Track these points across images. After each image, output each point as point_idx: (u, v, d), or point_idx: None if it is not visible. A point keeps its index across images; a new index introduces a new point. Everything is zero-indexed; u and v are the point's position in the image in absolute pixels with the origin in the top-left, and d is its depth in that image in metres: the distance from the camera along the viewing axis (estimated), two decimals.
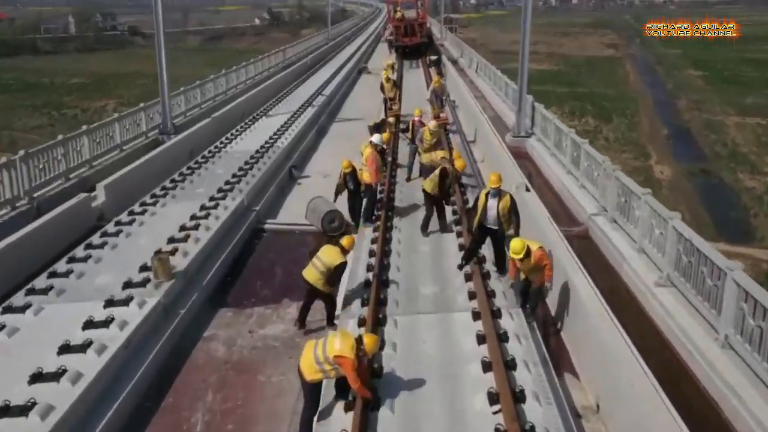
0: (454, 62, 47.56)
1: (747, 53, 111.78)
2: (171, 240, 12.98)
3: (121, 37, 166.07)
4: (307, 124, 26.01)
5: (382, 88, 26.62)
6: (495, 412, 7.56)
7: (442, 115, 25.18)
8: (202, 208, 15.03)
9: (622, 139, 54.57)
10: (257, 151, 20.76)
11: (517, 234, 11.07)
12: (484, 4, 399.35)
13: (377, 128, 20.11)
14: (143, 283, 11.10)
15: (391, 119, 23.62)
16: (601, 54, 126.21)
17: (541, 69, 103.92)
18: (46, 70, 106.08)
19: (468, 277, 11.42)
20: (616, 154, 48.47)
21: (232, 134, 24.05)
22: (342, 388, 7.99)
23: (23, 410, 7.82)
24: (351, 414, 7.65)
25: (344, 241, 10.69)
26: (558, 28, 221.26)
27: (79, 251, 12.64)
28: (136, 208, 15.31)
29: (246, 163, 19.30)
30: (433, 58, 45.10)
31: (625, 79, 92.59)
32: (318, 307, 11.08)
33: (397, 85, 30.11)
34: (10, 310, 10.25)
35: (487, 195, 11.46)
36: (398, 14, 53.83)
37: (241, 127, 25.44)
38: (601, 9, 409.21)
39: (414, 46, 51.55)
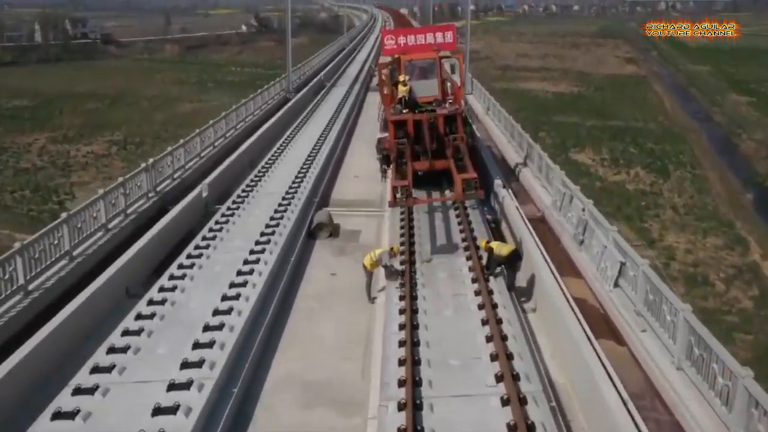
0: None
1: None
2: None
3: (92, 45, 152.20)
4: None
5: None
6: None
7: None
8: None
9: (696, 208, 41.44)
10: None
11: None
12: (482, 9, 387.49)
13: None
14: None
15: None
16: (622, 71, 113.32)
17: (558, 92, 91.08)
18: None
19: None
20: (699, 237, 35.45)
21: None
22: None
23: None
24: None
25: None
26: (565, 38, 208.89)
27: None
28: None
29: None
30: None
31: (661, 107, 79.66)
32: None
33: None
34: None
35: None
36: (402, 87, 20.90)
37: None
38: (602, 16, 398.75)
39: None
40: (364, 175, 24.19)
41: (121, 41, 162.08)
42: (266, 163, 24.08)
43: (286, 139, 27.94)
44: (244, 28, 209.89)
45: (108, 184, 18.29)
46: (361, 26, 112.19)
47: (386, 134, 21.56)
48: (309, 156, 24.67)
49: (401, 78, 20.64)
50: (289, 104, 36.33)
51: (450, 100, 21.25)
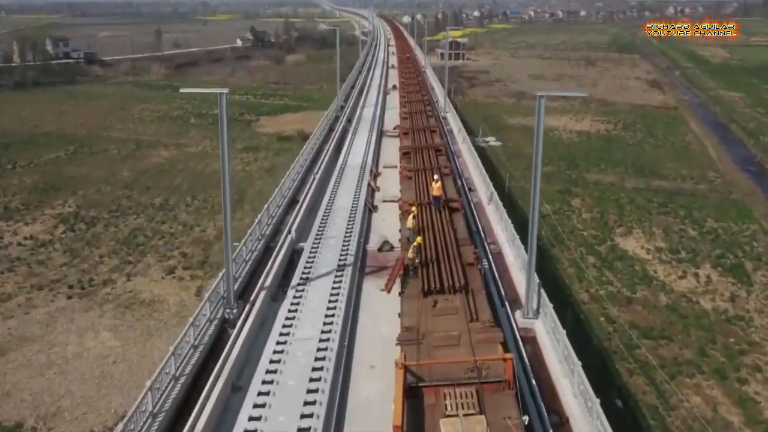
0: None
1: None
2: None
3: (74, 66, 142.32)
4: None
5: None
6: None
7: None
8: None
9: None
10: None
11: None
12: (487, 16, 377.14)
13: None
14: None
15: None
16: (650, 101, 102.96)
17: (583, 130, 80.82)
18: None
19: None
20: None
21: None
22: None
23: None
24: None
25: None
26: (577, 50, 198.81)
27: None
28: None
29: None
30: None
31: (706, 155, 69.37)
32: None
33: None
34: None
35: None
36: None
37: None
38: (610, 21, 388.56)
39: None
40: None
41: (105, 60, 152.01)
42: None
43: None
44: (239, 42, 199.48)
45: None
46: (364, 54, 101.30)
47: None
48: None
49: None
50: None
51: None
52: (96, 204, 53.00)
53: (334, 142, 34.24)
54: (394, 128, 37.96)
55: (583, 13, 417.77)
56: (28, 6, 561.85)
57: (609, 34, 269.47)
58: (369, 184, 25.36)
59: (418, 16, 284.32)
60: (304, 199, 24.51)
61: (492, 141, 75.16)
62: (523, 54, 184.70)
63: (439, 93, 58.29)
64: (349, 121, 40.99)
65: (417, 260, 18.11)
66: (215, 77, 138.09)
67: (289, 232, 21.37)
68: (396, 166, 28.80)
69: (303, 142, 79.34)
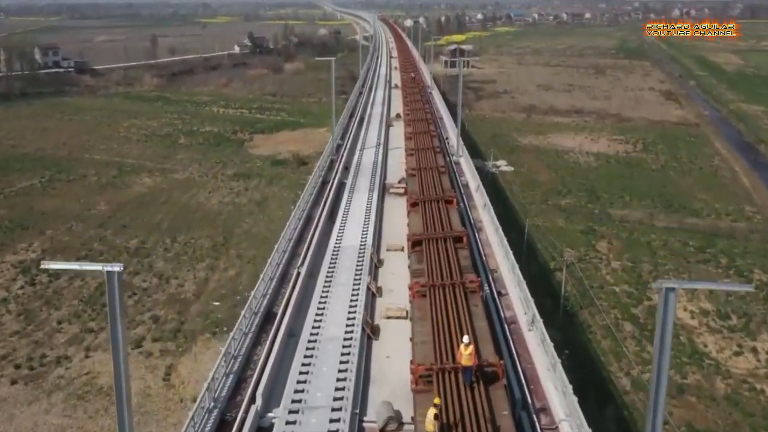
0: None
1: None
2: None
3: (64, 76, 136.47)
4: None
5: None
6: None
7: None
8: None
9: None
10: None
11: None
12: (491, 19, 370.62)
13: None
14: None
15: None
16: (669, 116, 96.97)
17: (601, 152, 74.82)
18: None
19: None
20: None
21: None
22: None
23: None
24: None
25: None
26: (584, 56, 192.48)
27: None
28: None
29: None
30: None
31: (738, 183, 63.49)
32: None
33: None
34: None
35: None
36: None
37: None
38: (615, 24, 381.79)
39: None
40: None
41: (97, 69, 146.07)
42: None
43: None
44: (237, 48, 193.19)
45: None
46: (365, 70, 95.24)
47: None
48: None
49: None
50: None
51: None
52: (64, 248, 47.21)
53: (327, 204, 28.17)
54: (399, 182, 32.02)
55: (587, 15, 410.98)
56: (28, 8, 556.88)
57: (615, 38, 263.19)
58: (368, 287, 19.44)
59: (420, 19, 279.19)
60: (283, 315, 18.24)
61: (503, 166, 69.38)
62: (530, 60, 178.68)
63: (448, 124, 52.35)
64: (347, 169, 35.04)
65: None
66: (209, 87, 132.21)
67: (253, 399, 15.00)
68: (403, 248, 22.81)
69: (299, 166, 74.80)
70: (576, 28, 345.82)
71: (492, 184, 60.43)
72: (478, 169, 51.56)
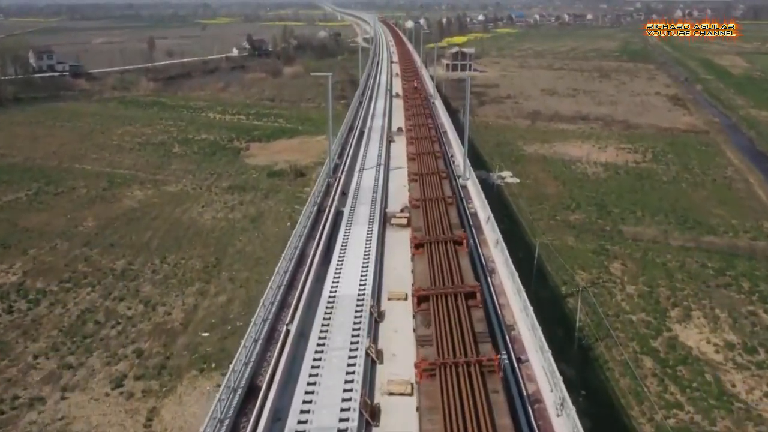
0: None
1: None
2: None
3: (58, 80, 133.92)
4: None
5: None
6: None
7: None
8: None
9: None
10: None
11: None
12: (492, 20, 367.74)
13: None
14: None
15: None
16: (678, 123, 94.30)
17: (610, 162, 72.14)
18: None
19: None
20: None
21: None
22: None
23: None
24: None
25: None
26: (588, 59, 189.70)
27: None
28: None
29: None
30: None
31: (754, 197, 60.83)
32: None
33: None
34: None
35: None
36: None
37: None
38: (617, 25, 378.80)
39: None
40: None
41: (92, 73, 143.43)
42: None
43: None
44: (235, 51, 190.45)
45: None
46: (365, 78, 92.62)
47: None
48: None
49: None
50: None
51: None
52: (47, 270, 44.65)
53: (323, 240, 25.54)
54: (402, 210, 29.38)
55: (589, 16, 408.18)
56: (28, 8, 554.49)
57: (618, 39, 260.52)
58: (367, 353, 16.78)
59: (421, 20, 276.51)
60: (267, 391, 15.46)
61: (508, 177, 66.75)
62: (532, 63, 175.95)
63: (452, 137, 49.70)
64: (344, 194, 32.42)
65: None
66: (206, 92, 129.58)
67: None
68: (406, 296, 20.17)
69: (296, 178, 72.16)
70: (578, 29, 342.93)
71: (497, 197, 57.92)
72: (482, 181, 49.13)
